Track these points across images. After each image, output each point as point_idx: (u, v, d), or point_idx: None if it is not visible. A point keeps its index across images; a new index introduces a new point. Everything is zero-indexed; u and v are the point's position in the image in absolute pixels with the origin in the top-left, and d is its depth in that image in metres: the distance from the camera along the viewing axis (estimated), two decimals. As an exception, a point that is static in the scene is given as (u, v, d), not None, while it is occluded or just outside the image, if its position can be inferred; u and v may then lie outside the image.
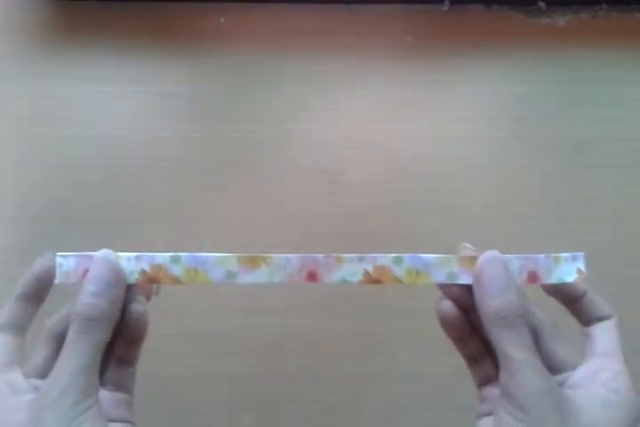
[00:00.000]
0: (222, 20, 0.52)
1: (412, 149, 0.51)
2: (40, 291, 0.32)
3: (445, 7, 0.52)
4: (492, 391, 0.29)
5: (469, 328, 0.29)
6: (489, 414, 0.28)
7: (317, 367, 0.49)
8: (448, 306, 0.29)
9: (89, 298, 0.28)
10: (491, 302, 0.27)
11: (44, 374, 0.28)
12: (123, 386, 0.30)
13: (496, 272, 0.28)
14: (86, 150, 0.50)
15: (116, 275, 0.30)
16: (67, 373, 0.26)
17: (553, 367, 0.29)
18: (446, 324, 0.29)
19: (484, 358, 0.30)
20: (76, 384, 0.26)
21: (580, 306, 0.30)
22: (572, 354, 0.29)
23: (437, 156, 0.51)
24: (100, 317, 0.28)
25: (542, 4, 0.52)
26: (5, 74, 0.51)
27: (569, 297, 0.30)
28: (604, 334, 0.30)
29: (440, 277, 0.29)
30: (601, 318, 0.30)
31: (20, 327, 0.30)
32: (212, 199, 0.50)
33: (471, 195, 0.51)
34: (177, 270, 0.30)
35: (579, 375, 0.29)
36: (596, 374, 0.28)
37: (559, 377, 0.28)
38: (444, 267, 0.29)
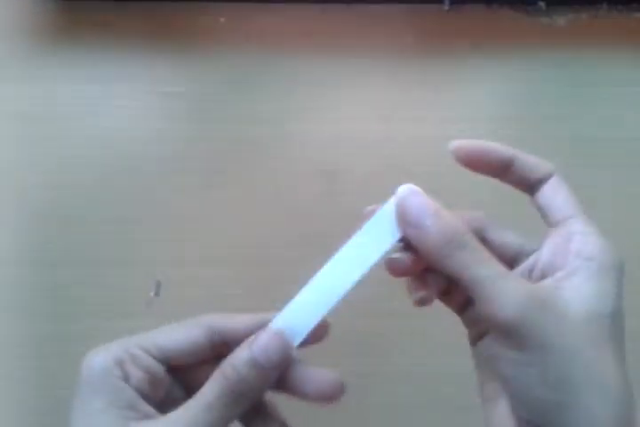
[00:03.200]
0: (222, 20, 0.52)
1: (412, 148, 0.51)
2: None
3: (445, 7, 0.52)
4: (473, 312, 0.28)
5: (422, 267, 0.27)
6: (480, 336, 0.27)
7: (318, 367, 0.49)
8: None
9: (250, 370, 0.26)
10: (429, 237, 0.25)
11: (160, 404, 0.27)
12: None
13: (415, 204, 0.26)
14: (86, 150, 0.50)
15: (288, 357, 0.27)
16: None
17: (512, 259, 0.27)
18: (398, 274, 0.28)
19: (454, 287, 0.28)
20: None
21: (514, 174, 0.28)
22: (523, 238, 0.28)
23: (437, 156, 0.51)
24: (247, 394, 0.26)
25: (542, 4, 0.52)
26: (5, 74, 0.51)
27: (496, 167, 0.29)
28: (553, 197, 0.28)
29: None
30: (542, 180, 0.28)
31: None
32: (212, 199, 0.50)
33: (471, 195, 0.51)
34: None
35: (546, 257, 0.27)
36: (564, 246, 0.26)
37: (524, 267, 0.27)
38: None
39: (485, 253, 0.25)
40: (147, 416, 0.26)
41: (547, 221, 0.28)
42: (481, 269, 0.24)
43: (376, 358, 0.49)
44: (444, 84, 0.52)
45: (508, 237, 0.28)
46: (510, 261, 0.28)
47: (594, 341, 0.24)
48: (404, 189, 0.28)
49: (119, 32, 0.52)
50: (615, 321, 0.24)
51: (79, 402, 0.26)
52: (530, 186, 0.29)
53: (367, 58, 0.52)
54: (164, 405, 0.27)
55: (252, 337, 0.27)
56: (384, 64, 0.52)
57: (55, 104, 0.51)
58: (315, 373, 0.28)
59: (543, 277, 0.27)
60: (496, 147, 0.30)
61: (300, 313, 0.28)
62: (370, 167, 0.51)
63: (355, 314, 0.49)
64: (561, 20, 0.52)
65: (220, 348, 0.28)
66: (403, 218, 0.27)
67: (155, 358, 0.27)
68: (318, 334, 0.29)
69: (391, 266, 0.28)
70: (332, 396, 0.28)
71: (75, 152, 0.50)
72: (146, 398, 0.27)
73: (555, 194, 0.28)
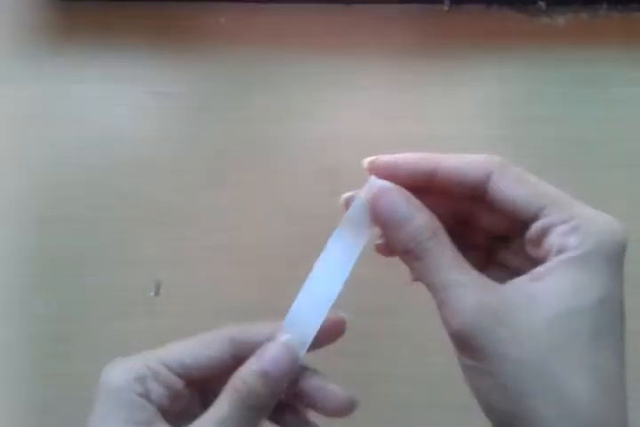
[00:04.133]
0: (222, 20, 0.52)
1: (412, 148, 0.51)
2: None
3: (445, 7, 0.52)
4: None
5: None
6: None
7: (317, 367, 0.48)
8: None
9: (261, 382, 0.26)
10: (396, 240, 0.25)
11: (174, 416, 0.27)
12: None
13: (384, 206, 0.26)
14: (86, 150, 0.50)
15: (296, 366, 0.27)
16: None
17: (509, 226, 0.25)
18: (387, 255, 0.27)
19: None
20: None
21: (442, 184, 0.26)
22: (532, 193, 0.25)
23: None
24: (259, 406, 0.26)
25: (542, 4, 0.52)
26: (5, 74, 0.51)
27: (414, 180, 0.26)
28: (506, 194, 0.25)
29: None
30: (482, 181, 0.26)
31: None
32: (212, 199, 0.50)
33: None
34: None
35: (522, 256, 0.25)
36: (540, 244, 0.24)
37: (533, 231, 0.24)
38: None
39: (446, 258, 0.24)
40: None
41: (517, 225, 0.26)
42: (440, 275, 0.24)
43: (376, 358, 0.49)
44: (444, 84, 0.52)
45: (511, 196, 0.25)
46: (509, 227, 0.27)
47: (557, 348, 0.22)
48: (373, 184, 0.28)
49: (119, 32, 0.52)
50: (599, 313, 0.22)
51: (97, 417, 0.26)
52: (470, 192, 0.26)
53: (367, 58, 0.52)
54: (180, 417, 0.27)
55: (260, 350, 0.27)
56: (384, 64, 0.52)
57: (55, 104, 0.51)
58: (329, 390, 0.29)
59: (523, 269, 0.25)
60: (412, 158, 0.28)
61: (300, 321, 0.28)
62: (370, 167, 0.50)
63: (354, 314, 0.49)
64: (561, 19, 0.52)
65: (242, 359, 0.28)
66: (374, 218, 0.27)
67: (176, 373, 0.27)
68: (333, 332, 0.30)
69: (378, 250, 0.29)
70: (343, 413, 0.29)
71: (74, 152, 0.50)
72: (164, 413, 0.27)
73: (506, 190, 0.25)
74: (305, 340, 0.28)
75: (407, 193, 0.26)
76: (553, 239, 0.24)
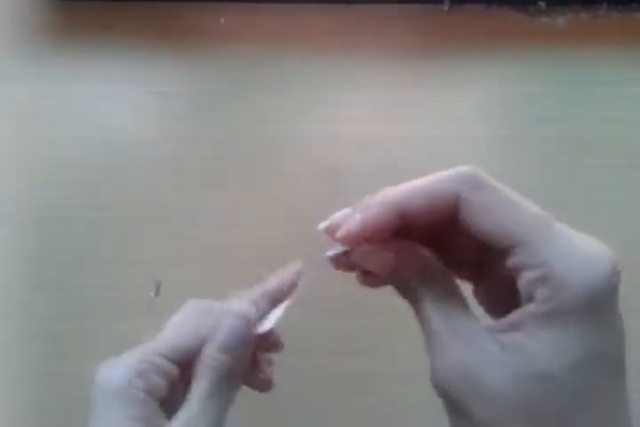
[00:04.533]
0: (222, 20, 0.52)
1: (412, 148, 0.51)
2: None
3: (445, 7, 0.52)
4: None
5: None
6: None
7: (317, 367, 0.49)
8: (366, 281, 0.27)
9: (226, 354, 0.27)
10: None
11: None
12: None
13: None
14: (86, 150, 0.50)
15: (249, 333, 0.28)
16: None
17: (479, 261, 0.24)
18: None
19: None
20: None
21: (413, 223, 0.23)
22: (501, 227, 0.22)
23: (437, 156, 0.51)
24: (234, 375, 0.27)
25: (542, 4, 0.52)
26: (6, 74, 0.51)
27: (388, 231, 0.24)
28: (473, 226, 0.22)
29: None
30: (450, 209, 0.23)
31: None
32: (212, 199, 0.50)
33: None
34: None
35: (492, 303, 0.25)
36: (509, 291, 0.22)
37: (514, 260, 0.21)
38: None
39: (431, 305, 0.23)
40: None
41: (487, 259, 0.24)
42: (425, 323, 0.23)
43: (374, 357, 0.49)
44: (444, 84, 0.52)
45: (486, 223, 0.22)
46: (481, 257, 0.25)
47: (526, 414, 0.20)
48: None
49: (119, 32, 0.52)
50: (574, 377, 0.20)
51: (99, 418, 0.26)
52: (445, 223, 0.23)
53: (367, 58, 0.52)
54: (173, 405, 0.27)
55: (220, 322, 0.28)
56: (384, 64, 0.52)
57: (55, 104, 0.51)
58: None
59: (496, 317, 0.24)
60: (374, 212, 0.24)
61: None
62: (370, 167, 0.51)
63: (354, 314, 0.49)
64: (561, 20, 0.52)
65: None
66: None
67: (173, 361, 0.28)
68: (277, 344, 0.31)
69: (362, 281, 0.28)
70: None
71: (74, 152, 0.50)
72: (164, 402, 0.27)
73: (474, 223, 0.22)
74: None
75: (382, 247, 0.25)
76: (521, 284, 0.21)
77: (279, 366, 0.50)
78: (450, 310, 0.23)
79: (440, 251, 0.26)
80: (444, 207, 0.23)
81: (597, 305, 0.20)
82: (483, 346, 0.21)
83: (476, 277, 0.27)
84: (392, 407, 0.48)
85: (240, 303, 0.29)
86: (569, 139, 0.51)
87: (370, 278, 0.27)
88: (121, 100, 0.51)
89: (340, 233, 0.24)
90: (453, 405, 0.22)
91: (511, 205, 0.22)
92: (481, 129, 0.51)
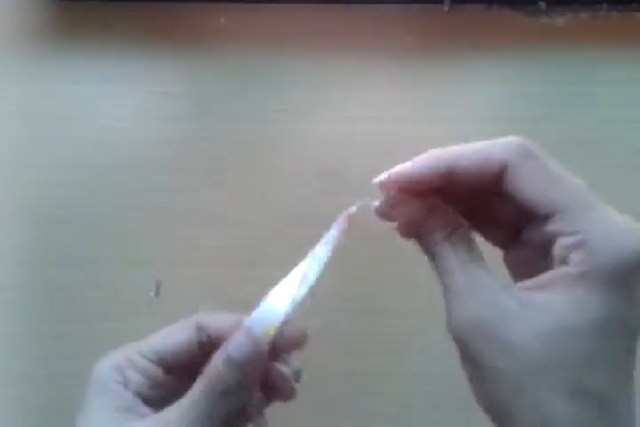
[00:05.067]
0: (222, 20, 0.52)
1: (412, 148, 0.51)
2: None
3: (445, 7, 0.52)
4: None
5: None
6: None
7: (317, 367, 0.49)
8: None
9: (227, 368, 0.27)
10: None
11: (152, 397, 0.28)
12: None
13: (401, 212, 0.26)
14: (86, 150, 0.50)
15: (260, 351, 0.28)
16: None
17: (519, 223, 0.25)
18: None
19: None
20: None
21: (460, 183, 0.25)
22: (543, 195, 0.23)
23: (437, 156, 0.51)
24: (235, 391, 0.27)
25: (542, 4, 0.52)
26: (5, 74, 0.51)
27: (435, 185, 0.25)
28: (519, 189, 0.23)
29: None
30: (499, 174, 0.24)
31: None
32: (212, 199, 0.50)
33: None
34: None
35: (527, 259, 0.25)
36: (546, 252, 0.23)
37: (551, 227, 0.23)
38: None
39: (453, 261, 0.24)
40: (143, 416, 0.27)
41: (529, 222, 0.25)
42: (445, 277, 0.24)
43: (376, 358, 0.49)
44: (444, 84, 0.52)
45: (530, 190, 0.23)
46: (517, 223, 0.26)
47: (544, 367, 0.21)
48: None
49: (119, 32, 0.52)
50: (595, 335, 0.21)
51: (84, 404, 0.28)
52: (489, 186, 0.24)
53: (367, 58, 0.52)
54: (166, 405, 0.28)
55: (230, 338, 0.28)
56: (384, 64, 0.52)
57: (55, 104, 0.51)
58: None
59: (527, 272, 0.25)
60: (423, 165, 0.26)
61: (268, 311, 0.29)
62: (370, 167, 0.50)
63: (355, 314, 0.49)
64: (561, 20, 0.52)
65: (207, 346, 0.30)
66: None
67: (152, 361, 0.29)
68: (297, 340, 0.30)
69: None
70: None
71: (74, 152, 0.50)
72: (146, 400, 0.28)
73: (518, 189, 0.24)
74: (269, 326, 0.29)
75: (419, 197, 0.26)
76: (557, 249, 0.23)
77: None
78: (470, 267, 0.24)
79: (477, 215, 0.27)
80: (491, 172, 0.24)
81: (626, 275, 0.21)
82: (501, 302, 0.22)
83: (507, 244, 0.27)
84: (394, 408, 0.48)
85: (250, 323, 0.28)
86: (569, 139, 0.51)
87: (405, 230, 0.27)
88: (121, 100, 0.51)
89: (381, 178, 0.27)
90: (467, 353, 0.23)
91: (555, 175, 0.24)
92: (481, 129, 0.51)
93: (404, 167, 0.26)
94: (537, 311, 0.22)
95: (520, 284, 0.24)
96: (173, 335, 0.30)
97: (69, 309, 0.49)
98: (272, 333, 0.28)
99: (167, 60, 0.52)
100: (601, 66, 0.52)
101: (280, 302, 0.29)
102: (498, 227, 0.27)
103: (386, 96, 0.52)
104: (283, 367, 0.30)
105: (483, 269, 0.24)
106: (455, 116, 0.51)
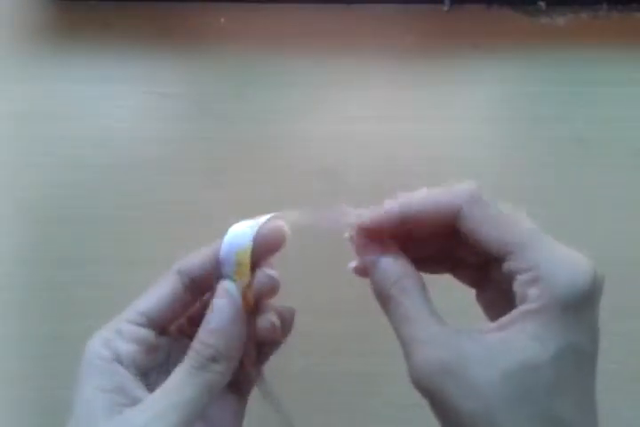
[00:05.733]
0: (222, 20, 0.52)
1: (411, 148, 0.51)
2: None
3: (445, 7, 0.52)
4: None
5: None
6: None
7: (317, 367, 0.49)
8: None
9: (212, 338, 0.27)
10: (372, 282, 0.27)
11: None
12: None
13: (360, 248, 0.27)
14: (86, 150, 0.50)
15: (238, 312, 0.27)
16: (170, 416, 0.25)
17: (482, 263, 0.26)
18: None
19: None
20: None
21: (415, 227, 0.26)
22: (497, 237, 0.24)
23: (437, 156, 0.51)
24: (221, 356, 0.27)
25: (542, 4, 0.52)
26: (5, 74, 0.51)
27: (389, 230, 0.26)
28: (474, 232, 0.25)
29: None
30: (453, 217, 0.25)
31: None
32: (212, 199, 0.50)
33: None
34: None
35: (489, 301, 0.27)
36: (504, 292, 0.25)
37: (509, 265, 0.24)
38: None
39: (409, 310, 0.25)
40: (135, 400, 0.26)
41: (485, 261, 0.26)
42: (402, 329, 0.25)
43: (376, 358, 0.49)
44: (444, 84, 0.52)
45: (484, 234, 0.25)
46: (481, 263, 0.27)
47: (512, 402, 0.22)
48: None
49: (119, 32, 0.52)
50: (557, 365, 0.22)
51: (75, 388, 0.26)
52: (444, 230, 0.26)
53: (367, 58, 0.52)
54: (166, 367, 0.28)
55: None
56: (384, 64, 0.52)
57: (55, 104, 0.51)
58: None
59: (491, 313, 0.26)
60: (380, 211, 0.26)
61: (236, 237, 0.29)
62: (370, 167, 0.51)
63: (355, 314, 0.49)
64: (561, 20, 0.52)
65: (196, 289, 0.29)
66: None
67: (142, 325, 0.28)
68: (276, 239, 0.30)
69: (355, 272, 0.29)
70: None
71: (75, 152, 0.50)
72: (142, 370, 0.27)
73: (473, 232, 0.25)
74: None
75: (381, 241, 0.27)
76: (516, 286, 0.24)
77: (282, 365, 0.50)
78: (428, 319, 0.25)
79: (446, 258, 0.28)
80: (444, 217, 0.25)
81: (578, 304, 0.23)
82: (462, 347, 0.23)
83: (478, 284, 0.29)
84: (393, 408, 0.48)
85: (225, 283, 0.28)
86: (569, 139, 0.51)
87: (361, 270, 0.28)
88: (121, 100, 0.51)
89: (358, 228, 0.27)
90: (436, 401, 0.23)
91: (506, 218, 0.25)
92: (481, 129, 0.51)
93: (364, 214, 0.27)
94: (498, 351, 0.23)
95: (483, 326, 0.24)
96: (157, 291, 0.29)
97: (69, 309, 0.49)
98: (248, 256, 0.28)
99: (167, 60, 0.52)
100: (601, 66, 0.52)
101: (243, 227, 0.29)
102: (466, 268, 0.29)
103: (386, 96, 0.52)
104: (266, 317, 0.29)
105: (437, 317, 0.25)
106: (455, 116, 0.51)
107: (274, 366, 0.47)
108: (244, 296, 0.28)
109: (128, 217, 0.50)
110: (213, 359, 0.26)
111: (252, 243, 0.28)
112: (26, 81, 0.51)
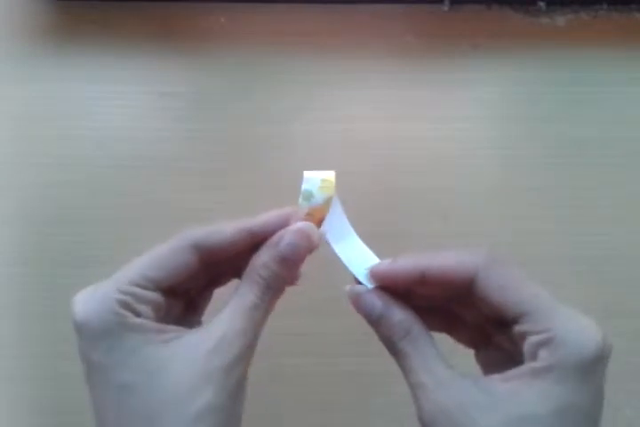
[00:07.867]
0: (222, 20, 0.52)
1: (411, 148, 0.51)
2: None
3: (445, 7, 0.52)
4: None
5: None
6: None
7: (317, 367, 0.49)
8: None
9: (282, 267, 0.28)
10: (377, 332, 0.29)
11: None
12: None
13: (363, 304, 0.29)
14: (86, 150, 0.50)
15: (308, 250, 0.29)
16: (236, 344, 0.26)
17: (495, 323, 0.27)
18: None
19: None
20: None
21: (431, 285, 0.27)
22: (513, 301, 0.26)
23: (437, 156, 0.51)
24: (282, 288, 0.29)
25: (542, 4, 0.52)
26: (5, 74, 0.51)
27: (405, 284, 0.28)
28: (489, 296, 0.26)
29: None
30: (469, 280, 0.27)
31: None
32: (212, 199, 0.50)
33: (471, 195, 0.51)
34: None
35: (498, 357, 0.28)
36: (514, 350, 0.26)
37: (520, 328, 0.26)
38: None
39: (416, 360, 0.26)
40: (179, 333, 0.27)
41: (499, 325, 0.27)
42: (410, 376, 0.27)
43: (376, 358, 0.48)
44: (444, 84, 0.52)
45: (500, 296, 0.26)
46: (480, 323, 0.29)
47: None
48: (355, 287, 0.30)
49: (119, 32, 0.52)
50: (557, 422, 0.23)
51: (102, 354, 0.26)
52: (458, 292, 0.27)
53: (367, 58, 0.52)
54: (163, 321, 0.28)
55: (275, 238, 0.29)
56: (384, 64, 0.52)
57: (55, 104, 0.51)
58: None
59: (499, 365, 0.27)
60: (401, 264, 0.28)
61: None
62: (370, 167, 0.51)
63: (355, 313, 0.49)
64: (561, 20, 0.52)
65: (210, 262, 0.29)
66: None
67: (150, 289, 0.28)
68: None
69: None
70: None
71: (74, 152, 0.50)
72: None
73: (488, 296, 0.26)
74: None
75: (384, 294, 0.28)
76: (527, 346, 0.25)
77: (282, 365, 0.51)
78: (434, 366, 0.26)
79: (448, 318, 0.30)
80: (462, 277, 0.27)
81: (586, 368, 0.24)
82: (468, 394, 0.25)
83: (477, 344, 0.30)
84: (394, 408, 0.48)
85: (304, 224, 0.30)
86: (569, 139, 0.51)
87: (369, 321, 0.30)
88: (121, 100, 0.51)
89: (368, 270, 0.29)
90: None
91: (522, 283, 0.26)
92: (481, 129, 0.51)
93: (383, 265, 0.28)
94: (504, 400, 0.24)
95: (490, 376, 0.26)
96: (170, 261, 0.29)
97: (69, 309, 0.49)
98: (333, 176, 0.32)
99: (167, 60, 0.52)
100: (601, 66, 0.52)
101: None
102: (467, 329, 0.30)
103: (386, 96, 0.52)
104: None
105: (445, 365, 0.26)
106: (455, 116, 0.51)
107: (274, 366, 0.47)
108: (317, 212, 0.30)
109: (128, 217, 0.50)
110: (278, 289, 0.28)
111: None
112: (26, 81, 0.51)
